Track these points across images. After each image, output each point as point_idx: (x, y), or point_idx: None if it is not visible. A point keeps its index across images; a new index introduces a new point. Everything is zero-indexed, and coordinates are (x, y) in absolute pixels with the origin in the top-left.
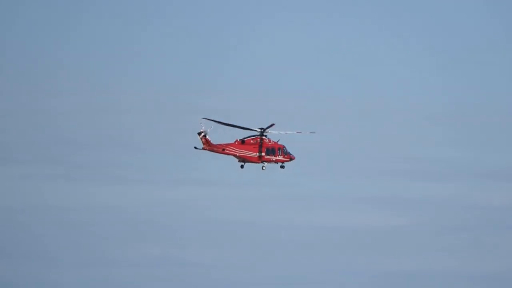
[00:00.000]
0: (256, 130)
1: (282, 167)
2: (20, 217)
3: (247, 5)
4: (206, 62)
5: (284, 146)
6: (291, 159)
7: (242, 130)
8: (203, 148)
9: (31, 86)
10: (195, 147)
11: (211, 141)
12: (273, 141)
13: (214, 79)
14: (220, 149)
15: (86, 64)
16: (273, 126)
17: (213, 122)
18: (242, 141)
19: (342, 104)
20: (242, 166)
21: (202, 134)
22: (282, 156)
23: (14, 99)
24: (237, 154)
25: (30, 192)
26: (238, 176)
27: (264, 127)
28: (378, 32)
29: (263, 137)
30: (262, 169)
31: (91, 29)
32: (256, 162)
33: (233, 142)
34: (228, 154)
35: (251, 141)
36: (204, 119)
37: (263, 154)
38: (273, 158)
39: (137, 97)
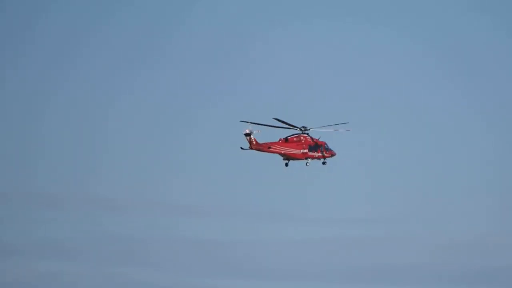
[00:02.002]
0: (298, 128)
1: (324, 163)
2: None
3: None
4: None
5: (325, 143)
6: (332, 155)
7: (285, 129)
8: (250, 148)
9: None
10: (241, 148)
11: (257, 141)
12: (314, 139)
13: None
14: (266, 147)
15: None
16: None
17: (252, 124)
18: (286, 139)
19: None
20: (286, 165)
21: (249, 134)
22: (324, 152)
23: None
24: (282, 152)
25: None
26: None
27: (306, 126)
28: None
29: (305, 134)
30: (306, 165)
31: None
32: (300, 159)
33: (277, 141)
34: (273, 152)
35: (294, 139)
36: (242, 122)
37: (307, 150)
38: (316, 154)
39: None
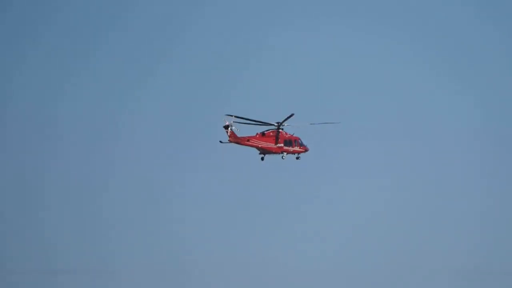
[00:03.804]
0: (273, 124)
1: (297, 158)
2: None
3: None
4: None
5: (299, 138)
6: (306, 150)
7: (261, 125)
8: (229, 141)
9: None
10: (220, 141)
11: (236, 134)
12: (289, 134)
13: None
14: (244, 140)
15: None
16: (292, 117)
17: (235, 118)
18: (263, 134)
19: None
20: (262, 159)
21: (228, 127)
22: (298, 147)
23: None
24: (259, 146)
25: None
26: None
27: (280, 121)
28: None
29: (280, 130)
30: (282, 158)
31: None
32: (277, 153)
33: (254, 135)
34: (251, 145)
35: (271, 134)
36: (227, 116)
37: (282, 145)
38: (291, 149)
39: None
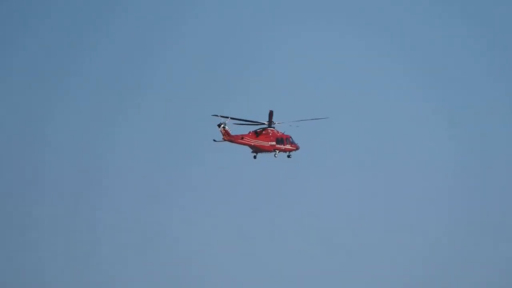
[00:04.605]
0: (264, 123)
1: (288, 156)
2: None
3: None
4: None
5: (290, 136)
6: (296, 148)
7: (252, 124)
8: (223, 139)
9: None
10: (214, 140)
11: (230, 132)
12: (280, 132)
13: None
14: (238, 138)
15: None
16: (272, 113)
17: (221, 117)
18: (255, 132)
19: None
20: (255, 157)
21: (222, 125)
22: (289, 145)
23: None
24: (252, 144)
25: None
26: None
27: (270, 119)
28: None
29: (272, 128)
30: (275, 156)
31: None
32: (269, 151)
33: (247, 133)
34: (245, 143)
35: (263, 132)
36: (214, 116)
37: (274, 143)
38: (283, 147)
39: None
